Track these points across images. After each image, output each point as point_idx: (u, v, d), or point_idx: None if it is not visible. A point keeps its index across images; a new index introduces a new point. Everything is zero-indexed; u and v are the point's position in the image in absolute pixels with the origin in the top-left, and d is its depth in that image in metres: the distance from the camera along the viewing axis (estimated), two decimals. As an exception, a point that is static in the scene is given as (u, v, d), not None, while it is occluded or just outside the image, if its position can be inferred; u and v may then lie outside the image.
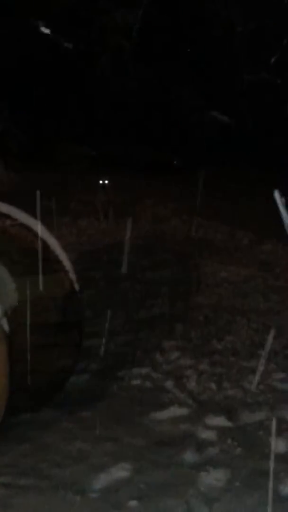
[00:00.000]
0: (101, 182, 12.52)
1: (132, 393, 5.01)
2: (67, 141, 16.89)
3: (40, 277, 4.44)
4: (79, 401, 4.76)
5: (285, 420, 4.53)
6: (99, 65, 17.31)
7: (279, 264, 9.19)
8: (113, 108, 17.17)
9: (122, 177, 14.14)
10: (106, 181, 12.46)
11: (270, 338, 6.11)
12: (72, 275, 4.59)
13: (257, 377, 5.28)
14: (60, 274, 4.56)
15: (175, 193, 14.07)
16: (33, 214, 4.65)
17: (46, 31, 16.15)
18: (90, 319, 6.27)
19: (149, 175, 15.64)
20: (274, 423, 4.47)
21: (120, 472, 3.82)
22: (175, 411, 4.64)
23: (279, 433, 4.31)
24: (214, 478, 3.76)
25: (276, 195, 2.88)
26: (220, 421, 4.50)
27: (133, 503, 3.51)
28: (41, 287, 4.42)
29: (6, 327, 4.04)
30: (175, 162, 17.79)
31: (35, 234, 4.58)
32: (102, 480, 3.74)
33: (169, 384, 5.17)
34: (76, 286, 4.60)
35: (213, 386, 5.13)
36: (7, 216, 4.58)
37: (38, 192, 4.78)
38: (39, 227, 4.59)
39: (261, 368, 5.47)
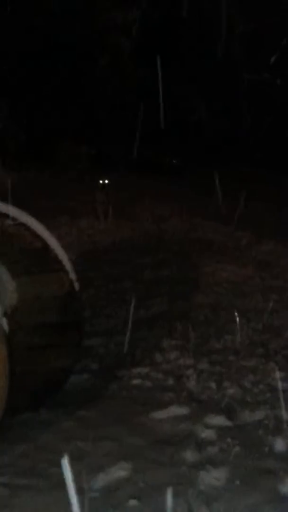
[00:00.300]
0: (101, 182, 12.53)
1: (131, 393, 5.02)
2: (67, 140, 16.89)
3: (40, 277, 4.44)
4: (78, 400, 4.76)
5: (285, 420, 4.53)
6: (99, 65, 17.32)
7: (278, 264, 9.20)
8: (113, 108, 17.18)
9: (122, 177, 14.17)
10: (106, 181, 12.47)
11: (269, 338, 6.13)
12: (72, 275, 4.60)
13: (256, 377, 5.29)
14: (60, 273, 4.56)
15: (174, 193, 14.09)
16: (32, 213, 4.66)
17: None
18: (90, 318, 6.29)
19: (149, 175, 15.66)
20: (273, 422, 4.48)
21: (120, 471, 3.81)
22: (175, 410, 4.64)
23: (279, 432, 4.32)
24: (213, 477, 3.76)
25: None
26: (219, 420, 4.50)
27: (132, 502, 3.51)
28: (40, 287, 4.42)
29: (5, 327, 4.04)
30: (174, 161, 17.80)
31: (35, 234, 4.58)
32: (101, 480, 3.74)
33: (168, 383, 5.18)
34: (76, 286, 4.61)
35: (213, 385, 5.13)
36: (6, 216, 4.59)
37: (37, 192, 4.78)
38: (38, 227, 4.59)
39: (260, 367, 5.48)
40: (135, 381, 5.20)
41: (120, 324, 6.49)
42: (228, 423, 4.48)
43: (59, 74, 16.77)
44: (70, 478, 3.73)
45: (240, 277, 8.43)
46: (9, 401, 4.00)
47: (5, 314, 4.08)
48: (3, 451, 4.01)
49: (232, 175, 15.05)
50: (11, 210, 4.59)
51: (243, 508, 3.49)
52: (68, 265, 4.60)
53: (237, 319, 6.74)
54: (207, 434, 4.30)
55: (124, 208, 12.49)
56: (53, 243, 4.60)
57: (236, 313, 6.87)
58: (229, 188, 13.70)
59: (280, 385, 5.13)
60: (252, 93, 17.14)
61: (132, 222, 11.75)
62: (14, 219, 4.59)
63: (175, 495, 3.53)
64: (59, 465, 3.86)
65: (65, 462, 3.90)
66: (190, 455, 4.01)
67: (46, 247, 4.57)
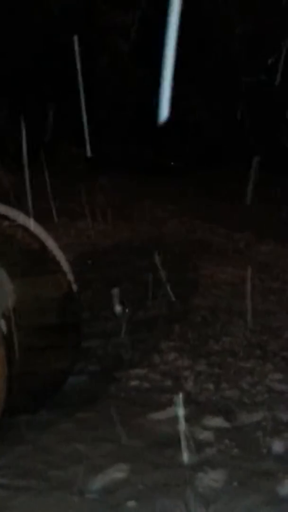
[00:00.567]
0: (100, 183, 12.54)
1: (130, 394, 5.02)
2: (65, 141, 16.89)
3: (38, 278, 4.45)
4: (77, 402, 4.76)
5: (283, 421, 4.55)
6: (99, 65, 17.32)
7: (277, 266, 9.20)
8: (112, 109, 17.18)
9: (121, 178, 14.16)
10: (105, 182, 12.47)
11: (267, 339, 6.13)
12: (70, 276, 4.60)
13: (254, 378, 5.30)
14: (58, 275, 4.56)
15: (173, 195, 14.08)
16: (30, 214, 4.66)
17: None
18: (88, 320, 6.28)
19: (148, 176, 15.65)
20: (271, 424, 4.49)
21: (118, 473, 3.82)
22: (173, 412, 4.65)
23: (277, 433, 4.33)
24: (212, 478, 3.77)
25: None
26: (217, 421, 4.50)
27: (131, 503, 3.52)
28: (39, 288, 4.42)
29: (3, 328, 4.04)
30: (172, 163, 17.80)
31: (33, 235, 4.59)
32: (100, 481, 3.74)
33: (166, 385, 5.18)
34: (74, 287, 4.61)
35: (211, 387, 5.13)
36: (5, 217, 4.59)
37: (36, 193, 4.79)
38: (37, 228, 4.59)
39: (258, 369, 5.49)
40: (133, 383, 5.21)
41: (118, 326, 6.49)
42: (226, 424, 4.49)
43: (58, 75, 16.77)
44: (69, 479, 3.75)
45: (239, 279, 8.43)
46: (8, 402, 4.00)
47: (3, 316, 4.08)
48: (2, 453, 4.01)
49: (230, 176, 15.05)
50: (9, 211, 4.60)
51: (241, 510, 3.50)
52: (66, 266, 4.60)
53: (235, 320, 6.75)
54: (205, 435, 4.31)
55: (123, 210, 12.48)
56: (51, 244, 4.60)
57: (234, 315, 6.89)
58: (228, 189, 13.71)
59: (278, 386, 5.15)
60: (252, 93, 17.14)
61: (131, 224, 11.74)
62: (12, 220, 4.59)
63: (173, 497, 3.54)
64: (58, 467, 3.89)
65: (64, 464, 3.92)
66: (188, 457, 4.02)
67: (44, 248, 4.58)
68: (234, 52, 17.22)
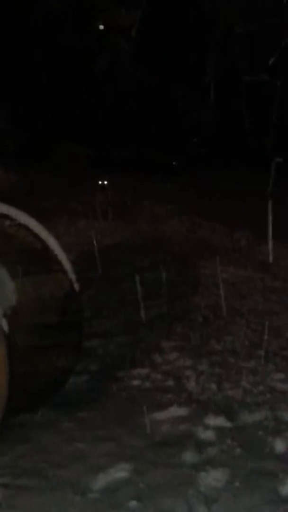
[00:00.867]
0: (100, 182, 12.54)
1: (131, 394, 5.02)
2: (66, 141, 16.89)
3: (39, 277, 4.44)
4: (78, 401, 4.76)
5: (284, 420, 4.54)
6: (98, 65, 17.32)
7: (278, 265, 9.19)
8: (112, 108, 17.18)
9: (121, 177, 14.15)
10: (106, 182, 12.47)
11: (269, 339, 6.12)
12: (71, 276, 4.60)
13: (256, 378, 5.29)
14: (59, 274, 4.56)
15: (173, 194, 14.08)
16: (32, 214, 4.65)
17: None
18: (89, 319, 6.28)
19: (148, 175, 15.64)
20: (273, 423, 4.48)
21: (120, 472, 3.82)
22: (175, 411, 4.64)
23: (279, 433, 4.32)
24: (213, 478, 3.76)
25: None
26: (219, 421, 4.50)
27: (132, 503, 3.51)
28: (40, 287, 4.42)
29: (5, 327, 4.04)
30: (174, 162, 17.79)
31: (34, 234, 4.58)
32: (101, 480, 3.74)
33: (168, 384, 5.18)
34: (76, 287, 4.61)
35: (213, 386, 5.13)
36: (6, 216, 4.59)
37: (36, 192, 4.78)
38: (38, 227, 4.59)
39: (260, 368, 5.48)
40: (135, 382, 5.20)
41: (120, 325, 6.49)
42: (227, 424, 4.48)
43: (58, 75, 16.76)
44: (70, 479, 3.74)
45: (240, 278, 8.43)
46: (9, 401, 4.00)
47: (4, 315, 4.08)
48: (3, 452, 4.01)
49: (230, 175, 15.06)
50: (11, 211, 4.59)
51: (243, 509, 3.50)
52: (67, 265, 4.60)
53: (237, 320, 6.74)
54: (206, 435, 4.31)
55: (124, 209, 12.49)
56: (52, 243, 4.60)
57: (235, 314, 6.88)
58: (228, 188, 13.72)
59: (280, 386, 5.14)
60: (252, 93, 17.14)
61: (131, 223, 11.74)
62: (13, 219, 4.59)
63: (175, 496, 3.54)
64: (59, 466, 3.88)
65: (65, 463, 3.91)
66: (190, 456, 4.02)
67: (45, 247, 4.57)
68: (235, 52, 17.21)
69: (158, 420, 4.52)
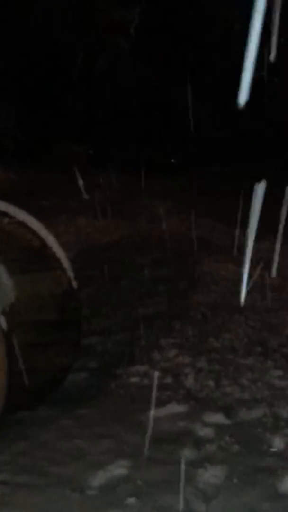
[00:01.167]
0: (100, 181, 12.54)
1: (130, 391, 5.02)
2: (66, 140, 16.89)
3: (38, 275, 4.45)
4: (77, 399, 4.77)
5: (283, 417, 4.55)
6: (98, 65, 17.31)
7: (277, 262, 9.18)
8: (111, 107, 17.18)
9: (120, 176, 14.15)
10: (101, 180, 12.47)
11: (267, 336, 6.13)
12: (70, 273, 4.60)
13: (254, 375, 5.30)
14: (58, 272, 4.57)
15: (172, 192, 14.08)
16: (31, 212, 4.66)
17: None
18: (88, 317, 6.29)
19: (147, 173, 15.63)
20: (271, 420, 4.49)
21: (118, 469, 3.82)
22: (173, 408, 4.66)
23: (277, 430, 4.33)
24: (212, 475, 3.77)
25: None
26: (218, 418, 4.51)
27: (131, 500, 3.52)
28: (39, 285, 4.42)
29: (3, 325, 4.05)
30: (172, 161, 17.79)
31: (33, 232, 4.59)
32: (100, 478, 3.75)
33: (167, 381, 5.18)
34: (74, 284, 4.61)
35: (211, 383, 5.14)
36: (5, 214, 4.59)
37: (36, 191, 4.78)
38: (37, 225, 4.59)
39: (258, 365, 5.49)
40: (134, 379, 5.21)
41: (118, 323, 6.49)
42: (226, 421, 4.49)
43: (57, 74, 16.75)
44: (69, 476, 3.75)
45: (239, 275, 8.42)
46: (8, 399, 4.00)
47: (3, 312, 4.08)
48: (2, 449, 4.01)
49: (230, 173, 15.05)
50: (10, 209, 4.60)
51: (242, 506, 3.50)
52: (66, 263, 4.60)
53: (236, 317, 6.75)
54: (205, 432, 4.32)
55: (123, 207, 12.48)
56: (51, 241, 4.61)
57: (234, 312, 6.88)
58: (227, 186, 13.71)
59: (278, 383, 5.15)
60: (252, 92, 17.12)
61: (130, 221, 11.74)
62: (12, 217, 4.59)
63: (174, 493, 3.54)
64: (58, 463, 3.89)
65: (64, 460, 3.92)
66: (188, 453, 4.03)
67: (44, 245, 4.58)
68: (234, 51, 17.17)
69: (157, 417, 4.52)
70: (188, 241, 10.43)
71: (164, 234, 10.91)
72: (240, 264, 9.27)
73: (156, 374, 5.32)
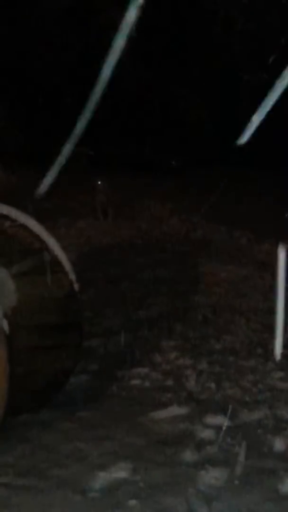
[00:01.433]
0: (100, 182, 12.54)
1: (131, 393, 5.03)
2: (65, 141, 16.90)
3: (40, 278, 4.45)
4: (78, 401, 4.78)
5: (284, 419, 4.55)
6: (97, 64, 17.32)
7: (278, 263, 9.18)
8: (112, 108, 17.17)
9: (121, 177, 14.16)
10: (99, 182, 12.45)
11: (268, 338, 6.14)
12: (72, 276, 4.61)
13: (256, 376, 5.31)
14: (60, 275, 4.57)
15: (173, 193, 14.09)
16: (32, 214, 4.66)
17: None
18: (90, 319, 6.30)
19: (148, 175, 15.65)
20: (272, 422, 4.50)
21: (120, 471, 3.83)
22: (175, 410, 4.66)
23: (278, 431, 4.34)
24: (213, 476, 3.78)
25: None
26: (219, 420, 4.51)
27: (132, 502, 3.52)
28: (40, 288, 4.43)
29: (6, 328, 4.05)
30: (173, 162, 17.80)
31: (34, 235, 4.59)
32: (101, 480, 3.75)
33: (168, 383, 5.19)
34: (76, 287, 4.62)
35: (212, 385, 5.14)
36: (6, 217, 4.60)
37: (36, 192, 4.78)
38: (38, 228, 4.60)
39: (259, 367, 5.50)
40: (135, 382, 5.22)
41: (120, 325, 6.50)
42: (227, 423, 4.49)
43: (57, 74, 16.77)
44: (71, 478, 3.76)
45: (240, 277, 8.44)
46: (10, 401, 4.01)
47: (5, 315, 4.09)
48: (3, 452, 4.02)
49: (231, 175, 15.05)
50: (11, 211, 4.60)
51: (243, 508, 3.51)
52: (67, 265, 4.61)
53: (237, 319, 6.76)
54: (206, 434, 4.32)
55: (123, 209, 12.50)
56: (52, 243, 4.61)
57: (235, 313, 6.89)
58: (228, 188, 13.71)
59: (279, 385, 5.16)
60: (252, 92, 17.13)
61: (131, 223, 11.76)
62: (13, 220, 4.60)
63: (175, 495, 3.55)
64: (59, 465, 3.90)
65: (66, 462, 3.92)
66: (189, 455, 4.03)
67: (45, 248, 4.58)
68: (235, 51, 17.20)
69: (158, 419, 4.54)
70: (188, 242, 10.45)
71: (165, 236, 10.93)
72: (241, 265, 9.28)
73: (157, 376, 5.33)
